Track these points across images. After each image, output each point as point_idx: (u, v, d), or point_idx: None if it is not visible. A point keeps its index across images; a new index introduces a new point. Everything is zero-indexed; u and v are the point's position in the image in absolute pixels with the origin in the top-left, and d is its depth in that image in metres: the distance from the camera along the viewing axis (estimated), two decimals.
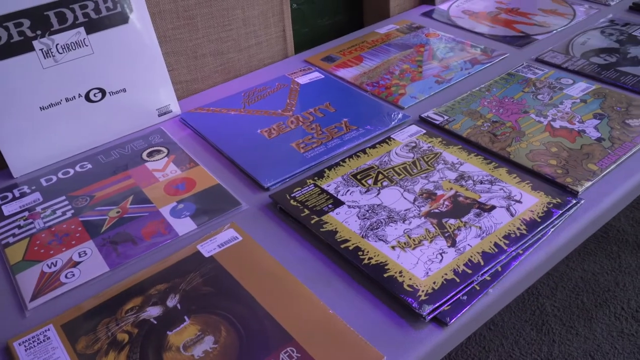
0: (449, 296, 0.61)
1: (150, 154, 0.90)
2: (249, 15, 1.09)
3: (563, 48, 1.10)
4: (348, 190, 0.77)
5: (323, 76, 1.08)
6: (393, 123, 0.92)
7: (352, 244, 0.68)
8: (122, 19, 0.90)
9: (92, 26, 0.88)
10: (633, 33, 1.13)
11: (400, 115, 0.94)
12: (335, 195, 0.77)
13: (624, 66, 1.02)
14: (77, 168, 0.88)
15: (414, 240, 0.68)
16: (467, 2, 1.35)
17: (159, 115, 0.99)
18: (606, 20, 1.20)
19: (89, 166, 0.88)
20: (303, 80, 1.07)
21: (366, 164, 0.83)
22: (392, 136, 0.89)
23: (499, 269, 0.65)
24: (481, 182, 0.77)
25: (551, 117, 0.90)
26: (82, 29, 0.87)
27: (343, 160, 0.84)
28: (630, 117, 0.88)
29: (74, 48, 0.88)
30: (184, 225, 0.75)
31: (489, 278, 0.64)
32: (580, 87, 0.97)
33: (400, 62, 1.11)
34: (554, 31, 1.18)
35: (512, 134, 0.86)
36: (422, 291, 0.61)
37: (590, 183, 0.76)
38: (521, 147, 0.83)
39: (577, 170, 0.78)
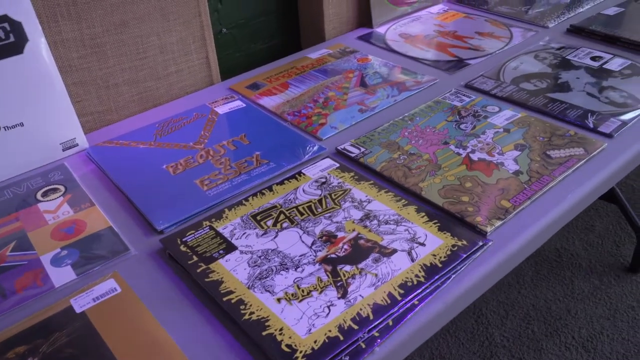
0: (328, 358, 0.55)
1: (45, 194, 0.84)
2: (166, 42, 1.04)
3: (494, 73, 1.06)
4: (244, 234, 0.72)
5: (244, 105, 1.03)
6: (307, 157, 0.87)
7: (236, 296, 0.63)
8: (16, 49, 0.85)
9: None
10: (567, 57, 1.10)
11: (315, 148, 0.89)
12: (230, 239, 0.71)
13: (553, 92, 0.98)
14: None
15: (302, 291, 0.63)
16: (406, 25, 1.31)
17: (64, 150, 0.93)
18: (543, 43, 1.17)
19: None
20: (223, 109, 1.02)
21: (270, 202, 0.78)
22: (303, 171, 0.84)
23: (390, 323, 0.59)
24: (386, 222, 0.72)
25: (470, 149, 0.85)
26: None
27: (246, 199, 0.79)
28: (551, 147, 0.84)
29: None
30: (63, 275, 0.69)
31: (377, 334, 0.58)
32: (505, 116, 0.93)
33: (326, 89, 1.06)
34: (488, 55, 1.14)
35: (428, 168, 0.82)
36: (301, 352, 0.55)
37: (501, 222, 0.71)
38: (435, 183, 0.78)
39: (489, 207, 0.73)
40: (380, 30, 1.31)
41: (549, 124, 0.90)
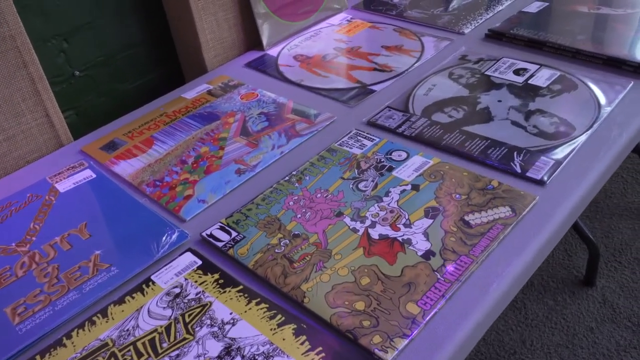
0: None
1: None
2: None
3: (402, 102, 0.88)
4: None
5: (94, 175, 0.82)
6: (161, 252, 0.66)
7: None
8: None
9: None
10: (486, 72, 0.92)
11: (174, 237, 0.68)
12: None
13: (471, 124, 0.80)
14: None
15: None
16: (302, 44, 1.11)
17: None
18: (458, 55, 0.99)
19: None
20: (65, 185, 0.80)
21: (100, 337, 0.57)
22: (153, 277, 0.63)
23: None
24: (253, 359, 0.52)
25: (370, 221, 0.66)
26: None
27: (69, 335, 0.57)
28: (470, 209, 0.66)
29: None
30: None
31: None
32: (414, 165, 0.74)
33: (198, 144, 0.85)
34: (396, 77, 0.96)
35: (315, 257, 0.62)
36: None
37: (406, 342, 0.52)
38: (322, 282, 0.59)
39: (391, 318, 0.54)
40: (273, 52, 1.10)
41: (466, 173, 0.72)
